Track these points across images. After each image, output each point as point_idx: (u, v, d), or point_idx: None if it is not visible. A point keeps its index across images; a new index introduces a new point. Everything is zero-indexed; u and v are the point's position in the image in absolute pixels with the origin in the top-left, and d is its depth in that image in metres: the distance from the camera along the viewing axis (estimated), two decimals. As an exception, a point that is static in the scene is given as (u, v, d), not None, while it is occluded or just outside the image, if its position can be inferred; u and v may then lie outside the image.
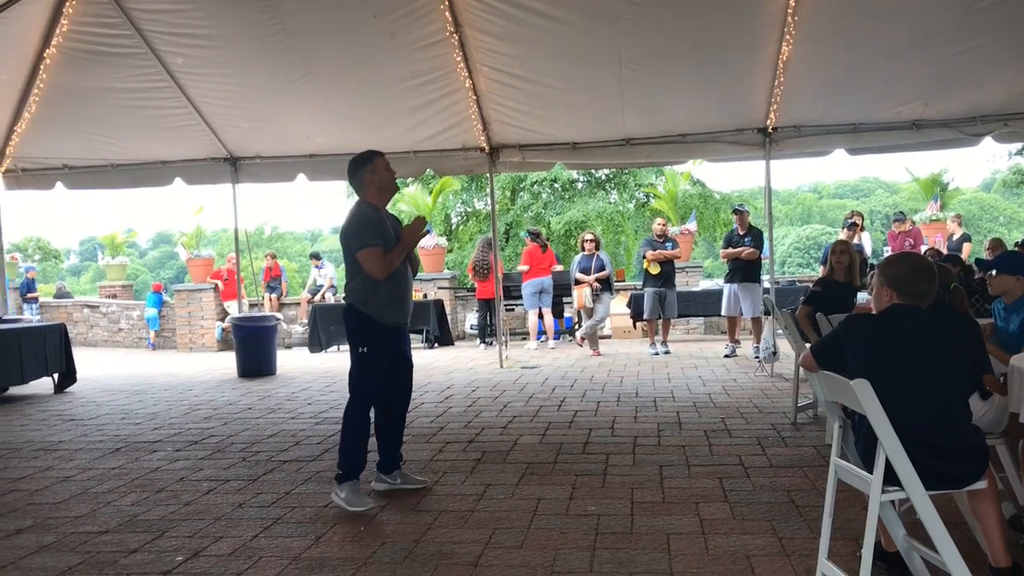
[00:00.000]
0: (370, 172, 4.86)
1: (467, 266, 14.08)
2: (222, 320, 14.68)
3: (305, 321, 14.67)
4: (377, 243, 4.61)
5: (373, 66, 9.13)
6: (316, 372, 10.87)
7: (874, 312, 3.38)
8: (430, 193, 17.32)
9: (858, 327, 3.29)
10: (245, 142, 10.62)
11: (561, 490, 4.79)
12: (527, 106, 9.54)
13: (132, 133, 10.31)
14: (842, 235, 12.03)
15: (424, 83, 9.30)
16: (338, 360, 12.22)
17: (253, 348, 10.84)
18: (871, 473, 3.02)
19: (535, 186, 25.64)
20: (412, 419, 7.14)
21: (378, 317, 4.70)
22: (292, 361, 12.21)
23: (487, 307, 13.22)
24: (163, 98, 9.69)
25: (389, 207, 5.05)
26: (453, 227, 25.97)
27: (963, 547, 2.99)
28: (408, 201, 16.34)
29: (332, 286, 15.88)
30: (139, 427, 7.32)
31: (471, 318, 14.77)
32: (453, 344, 13.74)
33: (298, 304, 15.94)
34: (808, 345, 6.11)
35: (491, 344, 13.02)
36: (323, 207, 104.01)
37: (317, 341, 13.41)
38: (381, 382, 4.78)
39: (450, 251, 22.30)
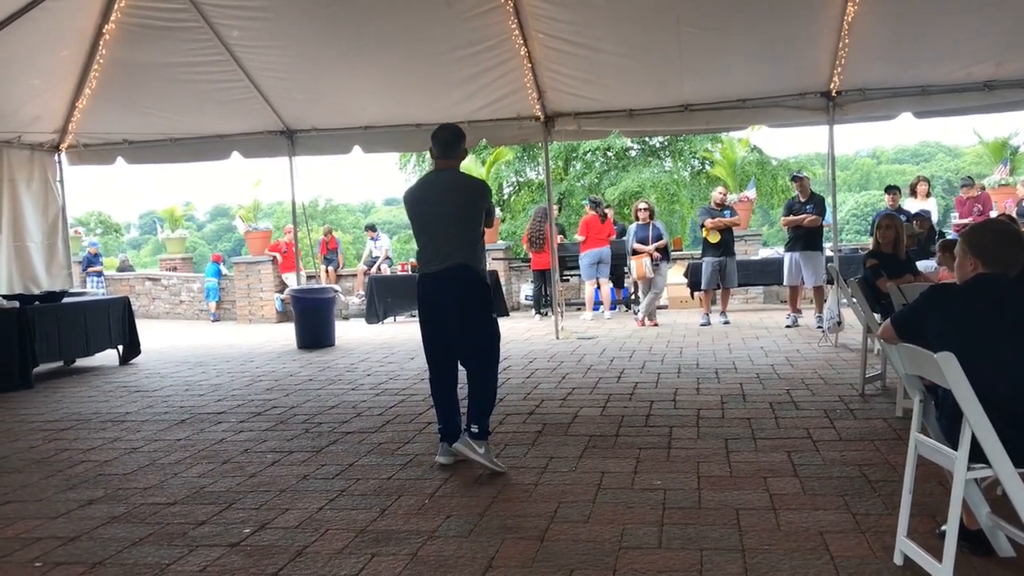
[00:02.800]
0: (465, 146, 5.06)
1: (521, 236, 14.01)
2: (281, 292, 14.84)
3: (362, 293, 14.76)
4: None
5: (427, 35, 9.05)
6: (374, 343, 10.93)
7: (957, 281, 3.23)
8: (483, 164, 17.25)
9: (942, 297, 3.16)
10: (301, 115, 10.64)
11: (625, 463, 4.73)
12: (583, 73, 9.38)
13: (190, 107, 10.39)
14: (887, 201, 11.71)
15: (478, 52, 9.20)
16: (396, 331, 12.29)
17: (312, 320, 10.93)
18: (955, 449, 2.91)
19: (588, 155, 25.39)
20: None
21: (487, 278, 4.98)
22: (350, 332, 12.30)
23: (542, 278, 13.15)
24: (220, 71, 9.74)
25: None
26: (506, 197, 25.89)
27: (1052, 526, 2.88)
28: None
29: (388, 257, 15.94)
30: (203, 398, 7.42)
31: (526, 289, 14.72)
32: (508, 315, 13.72)
33: (354, 276, 16.04)
34: (877, 317, 5.97)
35: (546, 315, 12.97)
36: (376, 179, 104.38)
37: (374, 312, 13.48)
38: None
39: (503, 221, 22.25)
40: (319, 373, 8.61)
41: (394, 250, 21.90)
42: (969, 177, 14.08)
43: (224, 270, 16.58)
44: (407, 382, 7.79)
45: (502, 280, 14.19)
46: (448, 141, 4.94)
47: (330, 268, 16.12)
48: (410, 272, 13.88)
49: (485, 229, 4.97)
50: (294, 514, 4.14)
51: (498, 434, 5.58)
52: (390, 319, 13.57)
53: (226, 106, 10.34)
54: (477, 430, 4.72)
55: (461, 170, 5.10)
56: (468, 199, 4.89)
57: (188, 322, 16.33)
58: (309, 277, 15.42)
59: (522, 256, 15.13)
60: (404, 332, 12.03)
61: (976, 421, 2.78)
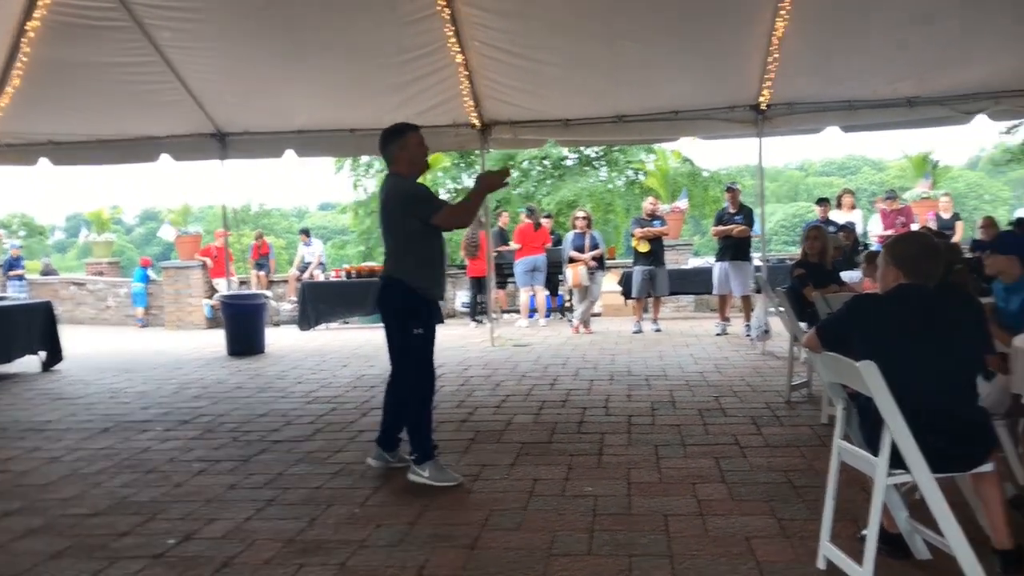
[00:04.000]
0: (400, 147, 4.73)
1: (459, 244, 14.00)
2: (210, 298, 14.56)
3: (294, 299, 14.56)
4: (443, 203, 4.66)
5: (363, 40, 8.97)
6: (306, 350, 10.79)
7: (880, 292, 3.33)
8: (419, 170, 17.13)
9: (865, 307, 3.25)
10: (233, 117, 10.46)
11: (557, 470, 4.76)
12: (520, 82, 9.42)
13: (118, 108, 10.12)
14: (817, 212, 12.11)
15: (415, 58, 9.15)
16: (328, 338, 12.15)
17: (242, 326, 10.76)
18: (875, 455, 2.99)
19: (525, 163, 25.47)
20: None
21: (426, 292, 4.66)
22: (282, 339, 12.13)
23: (478, 285, 13.15)
24: (150, 72, 9.50)
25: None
26: (442, 204, 25.80)
27: (964, 528, 2.97)
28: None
29: (321, 263, 15.76)
30: (128, 406, 7.24)
31: (461, 296, 14.70)
32: (443, 322, 13.64)
33: (286, 281, 15.82)
34: (803, 325, 6.11)
35: (481, 322, 12.97)
36: (310, 183, 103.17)
37: (306, 319, 13.31)
38: (432, 359, 4.74)
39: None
40: (249, 381, 8.46)
41: (328, 256, 21.68)
42: (892, 190, 14.51)
43: (152, 275, 16.21)
44: (339, 390, 7.70)
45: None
46: (381, 145, 4.79)
47: (261, 273, 15.87)
48: (344, 278, 13.75)
49: (442, 229, 4.66)
50: (220, 524, 4.06)
51: (431, 442, 5.56)
52: (323, 326, 13.41)
53: (156, 108, 10.10)
54: (414, 456, 4.66)
55: (397, 174, 4.73)
56: (394, 206, 4.64)
57: (114, 328, 15.91)
58: (240, 283, 15.16)
59: (458, 263, 15.11)
60: (337, 339, 11.91)
61: (896, 428, 2.87)
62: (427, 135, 10.49)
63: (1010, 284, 4.32)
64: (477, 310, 13.38)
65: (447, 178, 25.29)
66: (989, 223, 9.77)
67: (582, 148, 24.47)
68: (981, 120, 9.46)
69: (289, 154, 10.62)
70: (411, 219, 4.58)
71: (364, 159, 24.37)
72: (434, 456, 4.63)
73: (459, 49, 8.94)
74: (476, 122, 10.03)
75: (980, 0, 7.88)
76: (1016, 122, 20.77)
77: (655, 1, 8.24)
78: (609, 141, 16.63)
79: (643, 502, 4.16)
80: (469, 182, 25.65)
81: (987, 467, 3.09)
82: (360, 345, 11.07)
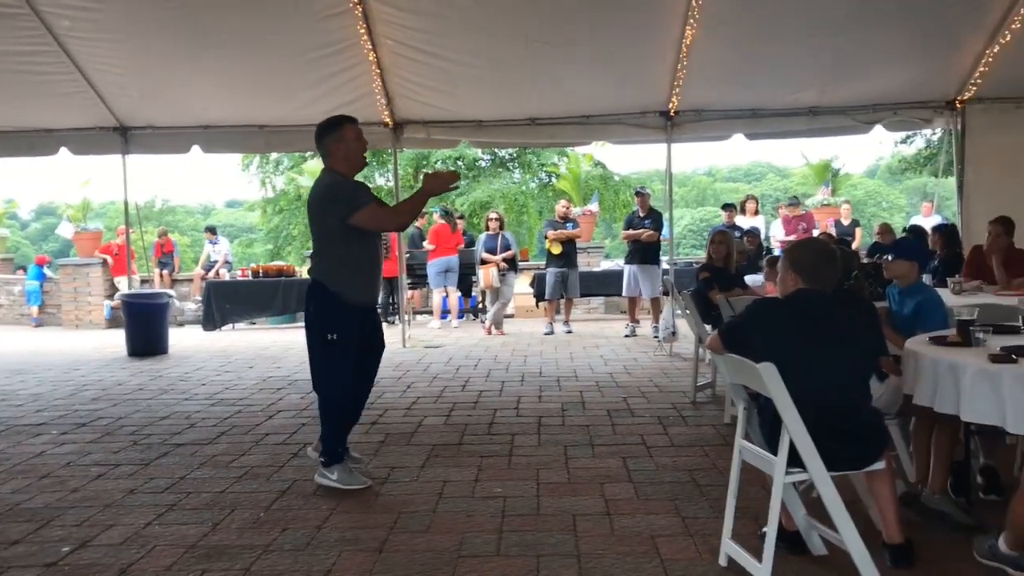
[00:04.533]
0: (336, 140, 4.47)
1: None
2: (111, 297, 14.08)
3: (199, 298, 14.19)
4: (367, 201, 4.35)
5: (273, 36, 8.79)
6: (210, 351, 10.53)
7: (779, 296, 3.44)
8: (331, 168, 16.93)
9: (765, 311, 3.35)
10: (136, 111, 10.12)
11: (467, 472, 4.76)
12: (433, 81, 9.38)
13: (14, 99, 9.67)
14: (723, 217, 12.48)
15: (326, 55, 9.02)
16: (234, 338, 11.90)
17: (144, 326, 10.43)
18: (775, 455, 3.08)
19: (439, 164, 25.42)
20: (311, 401, 7.00)
21: (347, 296, 4.42)
22: (185, 340, 11.80)
23: (389, 286, 13.05)
24: (48, 63, 9.11)
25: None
26: (354, 203, 25.53)
27: (858, 525, 3.09)
28: (308, 175, 15.98)
29: (227, 262, 15.41)
30: (20, 409, 6.95)
31: (372, 296, 14.54)
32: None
33: (191, 280, 15.41)
34: (708, 327, 6.25)
35: (393, 323, 12.87)
36: (217, 180, 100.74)
37: (211, 319, 12.99)
38: (352, 367, 4.51)
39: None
40: (150, 382, 8.22)
41: (234, 254, 21.21)
42: (795, 197, 14.98)
43: (49, 273, 15.58)
44: (245, 392, 7.55)
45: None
46: (317, 139, 4.55)
47: (165, 272, 15.40)
48: (251, 278, 13.47)
49: (365, 228, 4.41)
50: (119, 530, 3.93)
51: (339, 444, 5.49)
52: (229, 326, 13.11)
53: (54, 99, 9.70)
54: (322, 458, 4.57)
55: (332, 169, 4.53)
56: (315, 204, 4.52)
57: (8, 327, 15.23)
58: (142, 281, 14.70)
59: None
60: (243, 340, 11.67)
61: (794, 428, 2.96)
62: (338, 133, 10.43)
63: (905, 288, 4.50)
64: (389, 311, 13.27)
65: (359, 177, 25.03)
66: (885, 229, 10.17)
67: (496, 150, 24.56)
68: (879, 130, 9.89)
69: (195, 150, 10.34)
70: (331, 218, 4.39)
71: (273, 156, 23.94)
72: (343, 459, 4.57)
73: (371, 47, 8.86)
74: (388, 121, 9.95)
75: (877, 17, 8.20)
76: (911, 133, 21.74)
77: (568, 5, 8.32)
78: (522, 143, 16.71)
79: (552, 502, 4.20)
80: (380, 181, 25.47)
81: (879, 465, 3.22)
82: (267, 346, 10.87)
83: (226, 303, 12.98)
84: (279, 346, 10.80)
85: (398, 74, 9.31)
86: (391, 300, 13.24)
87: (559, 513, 4.03)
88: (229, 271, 15.00)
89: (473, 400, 6.89)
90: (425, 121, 10.02)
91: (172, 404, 7.04)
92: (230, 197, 60.88)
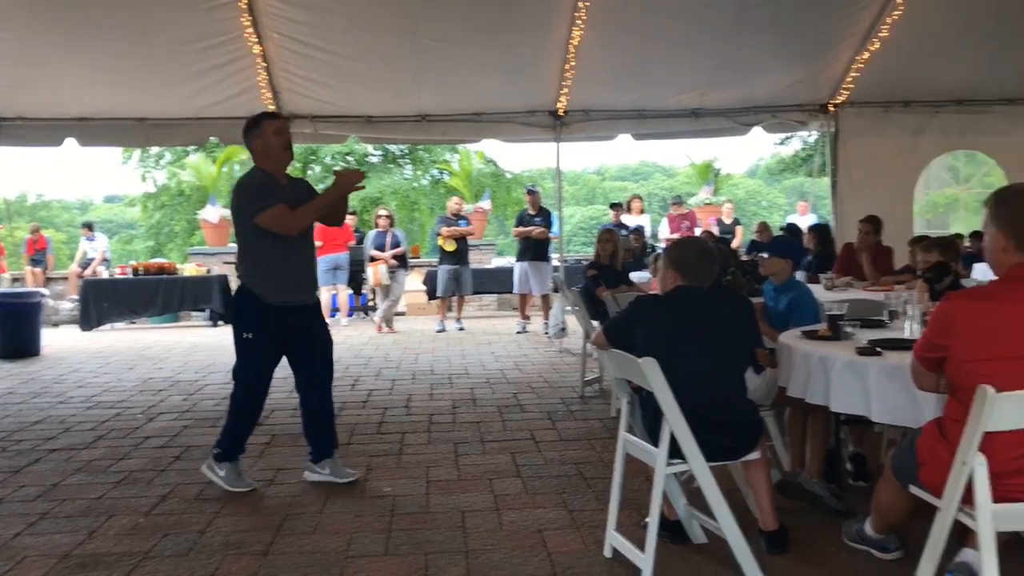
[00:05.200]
0: (255, 137, 4.35)
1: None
2: (-23, 296, 13.33)
3: (75, 297, 13.57)
4: (273, 202, 4.19)
5: (154, 26, 8.49)
6: (88, 352, 10.11)
7: (660, 293, 3.53)
8: (214, 162, 16.52)
9: (646, 308, 3.44)
10: (5, 101, 9.59)
11: (356, 472, 4.71)
12: (320, 76, 9.25)
13: None
14: (611, 216, 12.78)
15: (210, 47, 8.77)
16: (112, 339, 11.45)
17: (15, 326, 9.92)
18: (657, 447, 3.17)
19: (328, 159, 25.06)
20: (195, 402, 6.82)
21: (265, 295, 4.30)
22: (60, 340, 11.29)
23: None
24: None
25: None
26: (240, 199, 24.90)
27: (736, 513, 3.21)
28: (191, 170, 15.51)
29: (105, 259, 14.79)
30: None
31: (259, 294, 14.21)
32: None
33: (66, 279, 14.73)
34: (596, 323, 6.37)
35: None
36: (96, 174, 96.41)
37: (88, 318, 12.45)
38: (268, 370, 4.43)
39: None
40: (21, 385, 7.83)
41: (113, 251, 20.36)
42: (679, 196, 15.40)
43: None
44: (124, 394, 7.28)
45: (233, 286, 13.60)
46: (244, 139, 4.43)
47: (38, 270, 14.66)
48: (131, 276, 12.98)
49: (273, 230, 4.24)
50: (-16, 543, 3.74)
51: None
52: (107, 326, 12.61)
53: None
54: (216, 450, 4.48)
55: (256, 168, 4.41)
56: (233, 202, 4.39)
57: None
58: (13, 279, 13.99)
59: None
60: (122, 340, 11.24)
61: (674, 420, 3.05)
62: (223, 126, 10.23)
63: (780, 285, 4.69)
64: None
65: (244, 171, 24.46)
66: (763, 228, 10.58)
67: (387, 146, 24.37)
68: (758, 132, 10.28)
69: (70, 142, 9.88)
70: (244, 217, 4.28)
71: (155, 150, 23.13)
72: (236, 459, 4.48)
73: (257, 39, 8.67)
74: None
75: (757, 24, 8.53)
76: (789, 134, 22.65)
77: (457, 2, 8.34)
78: (412, 140, 16.63)
79: (441, 500, 4.20)
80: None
81: (755, 455, 3.35)
82: (148, 346, 10.50)
83: (104, 302, 12.47)
84: (161, 346, 10.45)
85: (284, 68, 9.14)
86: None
87: (448, 510, 4.04)
88: (107, 269, 14.41)
89: (363, 399, 6.83)
90: (313, 116, 9.86)
91: (45, 408, 6.73)
92: (109, 192, 58.43)
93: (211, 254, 14.10)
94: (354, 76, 9.32)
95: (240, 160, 21.45)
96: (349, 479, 4.52)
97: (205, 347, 10.21)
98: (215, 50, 8.80)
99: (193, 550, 3.61)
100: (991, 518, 2.42)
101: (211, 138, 10.38)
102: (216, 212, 14.19)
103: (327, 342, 4.63)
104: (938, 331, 2.68)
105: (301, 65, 9.08)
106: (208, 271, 13.33)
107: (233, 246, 14.86)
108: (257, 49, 8.79)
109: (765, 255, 4.70)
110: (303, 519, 3.97)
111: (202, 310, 12.91)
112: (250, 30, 8.55)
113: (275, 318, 4.35)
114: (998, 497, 2.43)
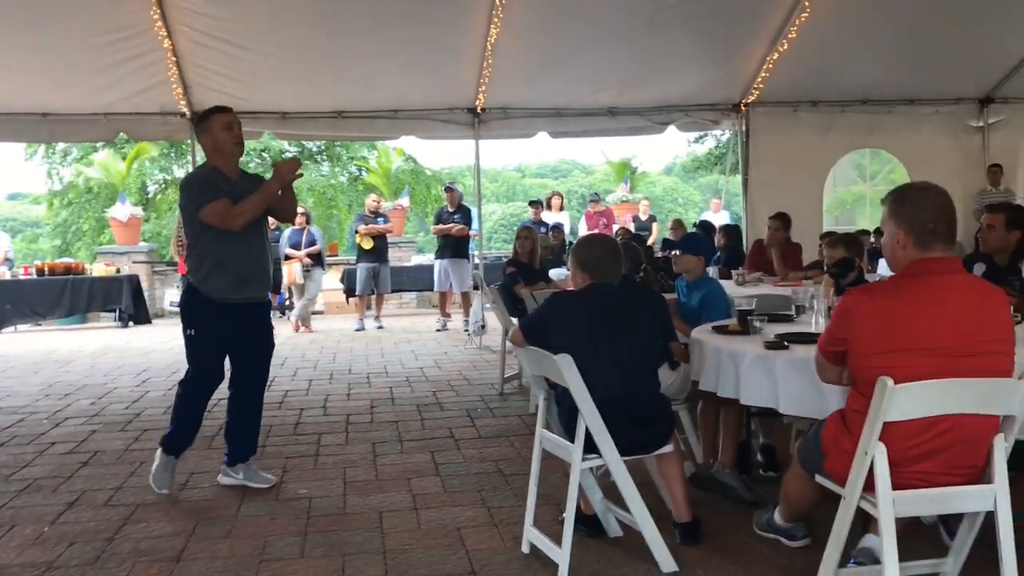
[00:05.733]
0: (203, 132, 4.28)
1: (170, 239, 13.23)
2: None
3: (-26, 299, 13.02)
4: (213, 196, 4.09)
5: (58, 18, 8.17)
6: (-12, 356, 9.72)
7: (573, 290, 3.58)
8: (124, 159, 16.04)
9: (560, 305, 3.48)
10: (-103, 95, 9.17)
11: (271, 474, 4.64)
12: (232, 71, 9.06)
13: None
14: (530, 213, 12.85)
15: (117, 40, 8.49)
16: (16, 341, 11.04)
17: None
18: (573, 442, 3.20)
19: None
20: (104, 406, 6.63)
21: (210, 292, 4.20)
22: (-42, 344, 10.83)
23: (189, 283, 12.50)
24: None
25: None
26: (150, 196, 24.18)
27: (651, 506, 3.27)
28: (99, 167, 15.03)
29: (7, 259, 14.21)
30: None
31: (171, 295, 13.86)
32: (150, 322, 12.84)
33: (-35, 280, 14.10)
34: (514, 320, 6.40)
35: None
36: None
37: (-11, 321, 11.98)
38: (215, 367, 4.35)
39: (147, 221, 20.75)
40: (-84, 392, 7.49)
41: (16, 251, 19.57)
42: (596, 194, 15.58)
43: None
44: (28, 399, 7.02)
45: (144, 285, 13.24)
46: (196, 136, 4.35)
47: (-67, 270, 14.03)
48: (35, 276, 12.52)
49: (220, 227, 4.14)
50: None
51: (132, 452, 5.24)
52: (10, 328, 12.13)
53: None
54: (163, 442, 4.43)
55: (204, 165, 4.39)
56: (181, 199, 4.32)
57: None
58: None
59: (168, 260, 14.27)
60: (27, 343, 10.84)
61: (589, 416, 3.09)
62: (132, 122, 9.95)
63: (693, 281, 4.79)
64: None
65: (155, 168, 23.80)
66: (677, 225, 10.78)
67: (303, 142, 23.99)
68: (673, 130, 10.49)
69: (-33, 138, 9.50)
70: (189, 212, 4.20)
71: (60, 146, 22.32)
72: (176, 456, 4.41)
73: (166, 33, 8.45)
74: (186, 111, 9.53)
75: (670, 24, 8.68)
76: (703, 133, 23.12)
77: (372, -2, 8.28)
78: (329, 136, 16.40)
79: (358, 500, 4.17)
80: (180, 172, 24.27)
81: (668, 448, 3.42)
82: (54, 349, 10.14)
83: (7, 303, 12.01)
84: (68, 349, 10.11)
85: (194, 62, 8.95)
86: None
87: (366, 511, 4.01)
88: (10, 269, 13.83)
89: (279, 400, 6.72)
90: (225, 112, 9.65)
91: (-59, 415, 6.45)
92: (12, 190, 56.14)
93: (120, 253, 13.70)
94: (267, 71, 9.16)
95: (151, 157, 20.91)
96: (265, 484, 4.45)
97: (115, 349, 9.90)
98: (123, 43, 8.55)
99: (101, 559, 3.51)
100: (891, 505, 2.51)
101: (120, 134, 10.09)
102: (126, 210, 13.77)
103: (270, 344, 4.57)
104: (839, 326, 2.77)
105: (212, 60, 8.89)
106: (117, 270, 12.96)
107: (144, 245, 14.50)
108: (167, 43, 8.57)
109: (677, 252, 4.79)
110: (217, 523, 3.89)
111: (111, 311, 12.54)
112: (159, 24, 8.33)
113: (221, 315, 4.27)
114: (897, 485, 2.53)
